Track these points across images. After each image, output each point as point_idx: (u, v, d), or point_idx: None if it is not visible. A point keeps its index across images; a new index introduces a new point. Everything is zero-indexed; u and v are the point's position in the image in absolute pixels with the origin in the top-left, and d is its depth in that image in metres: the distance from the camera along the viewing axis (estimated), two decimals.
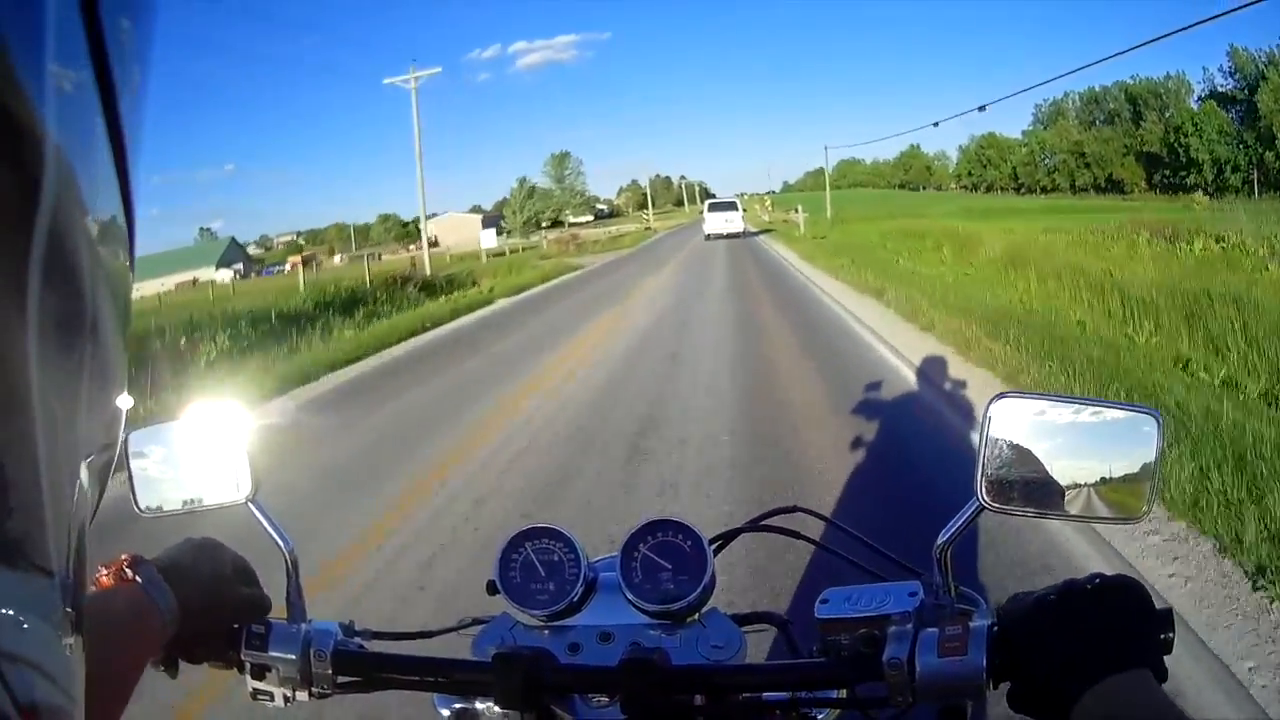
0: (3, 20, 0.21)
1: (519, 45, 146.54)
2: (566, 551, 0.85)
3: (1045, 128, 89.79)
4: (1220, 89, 69.03)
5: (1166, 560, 2.89)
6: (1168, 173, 71.91)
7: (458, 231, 69.08)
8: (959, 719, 0.68)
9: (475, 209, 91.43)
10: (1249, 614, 2.51)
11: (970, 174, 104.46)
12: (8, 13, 0.21)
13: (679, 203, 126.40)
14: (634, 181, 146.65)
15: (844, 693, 0.75)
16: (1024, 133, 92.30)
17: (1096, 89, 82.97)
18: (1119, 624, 0.61)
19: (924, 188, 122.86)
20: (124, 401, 0.32)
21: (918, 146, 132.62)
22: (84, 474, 0.28)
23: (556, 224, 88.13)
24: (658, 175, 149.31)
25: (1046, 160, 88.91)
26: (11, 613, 0.23)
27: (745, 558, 2.83)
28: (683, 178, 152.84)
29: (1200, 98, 72.43)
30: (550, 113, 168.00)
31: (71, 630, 0.26)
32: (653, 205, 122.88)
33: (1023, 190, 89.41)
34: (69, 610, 0.26)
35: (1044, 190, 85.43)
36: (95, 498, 0.30)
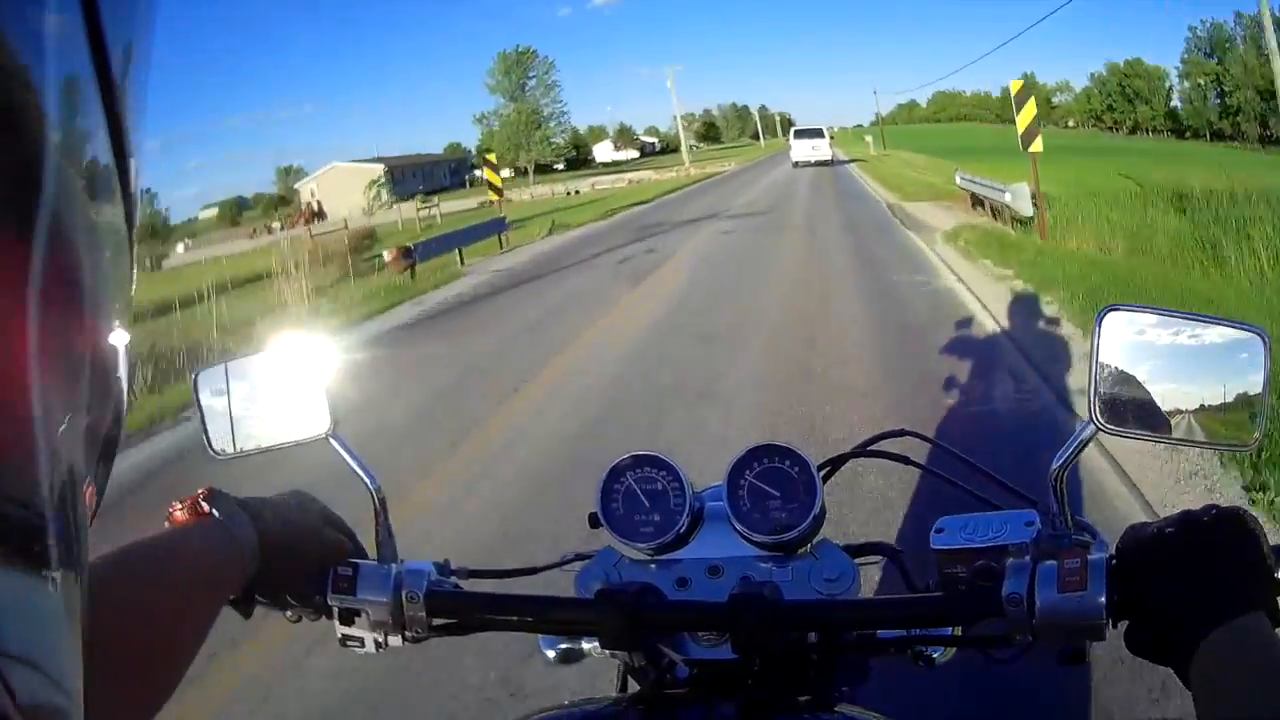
0: (3, 19, 0.25)
1: None
2: (670, 480, 1.00)
3: (1210, 57, 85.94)
4: None
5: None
6: None
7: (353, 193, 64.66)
8: (1079, 660, 0.81)
9: (378, 158, 76.81)
10: None
11: (1111, 110, 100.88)
12: (8, 11, 0.25)
13: (755, 135, 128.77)
14: (705, 111, 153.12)
15: (959, 630, 0.91)
16: (1183, 61, 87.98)
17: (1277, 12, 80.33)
18: (1238, 560, 0.74)
19: (1042, 124, 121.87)
20: (125, 400, 0.37)
21: (1032, 75, 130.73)
22: (85, 472, 0.33)
23: (544, 169, 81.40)
24: (732, 104, 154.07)
25: (1217, 99, 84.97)
26: (11, 612, 0.26)
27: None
28: (763, 107, 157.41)
29: None
30: (631, 48, 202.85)
31: (72, 629, 0.31)
32: (721, 139, 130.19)
33: (1186, 134, 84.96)
34: (70, 609, 0.30)
35: (1218, 136, 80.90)
36: (97, 496, 0.35)
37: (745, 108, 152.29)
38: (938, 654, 0.96)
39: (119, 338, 0.35)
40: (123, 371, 0.36)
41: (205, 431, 1.00)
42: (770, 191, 28.57)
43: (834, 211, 19.49)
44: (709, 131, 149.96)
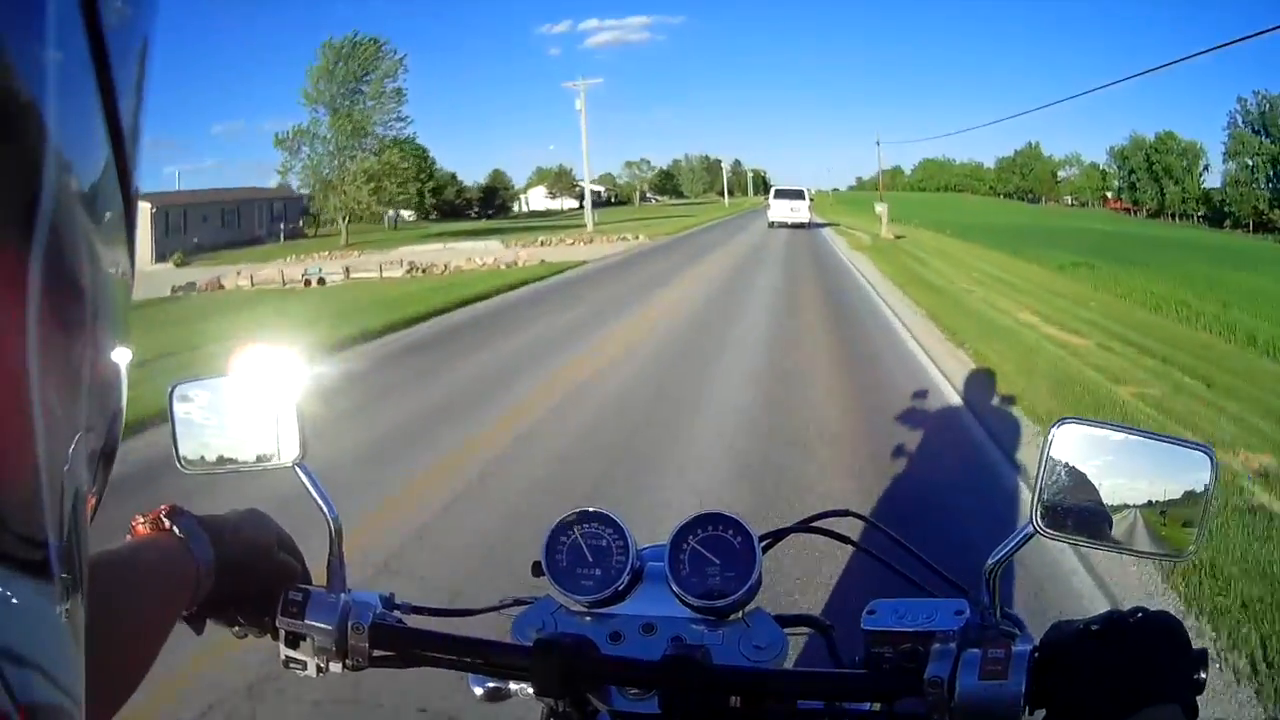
0: (3, 19, 0.27)
1: (591, 23, 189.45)
2: (616, 538, 1.12)
3: (1262, 135, 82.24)
4: None
5: None
6: None
7: None
8: None
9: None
10: None
11: (1133, 188, 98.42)
12: (8, 12, 0.27)
13: (722, 191, 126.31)
14: (675, 161, 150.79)
15: (878, 706, 0.99)
16: (1231, 137, 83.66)
17: None
18: (1157, 659, 0.82)
19: (1043, 199, 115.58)
20: (123, 406, 0.40)
21: (1037, 145, 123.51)
22: (84, 474, 0.35)
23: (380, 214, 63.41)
24: (703, 156, 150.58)
25: (1270, 184, 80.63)
26: (11, 612, 0.29)
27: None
28: (736, 162, 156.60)
29: None
30: (618, 93, 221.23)
31: (72, 629, 0.33)
32: (691, 191, 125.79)
33: (1225, 222, 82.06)
34: (69, 609, 0.33)
35: (1264, 227, 77.91)
36: (96, 498, 0.38)
37: (717, 161, 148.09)
38: None
39: (118, 345, 0.37)
40: (121, 375, 0.39)
41: (175, 444, 1.10)
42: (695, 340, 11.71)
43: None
44: (666, 182, 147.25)
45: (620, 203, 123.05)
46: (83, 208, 0.33)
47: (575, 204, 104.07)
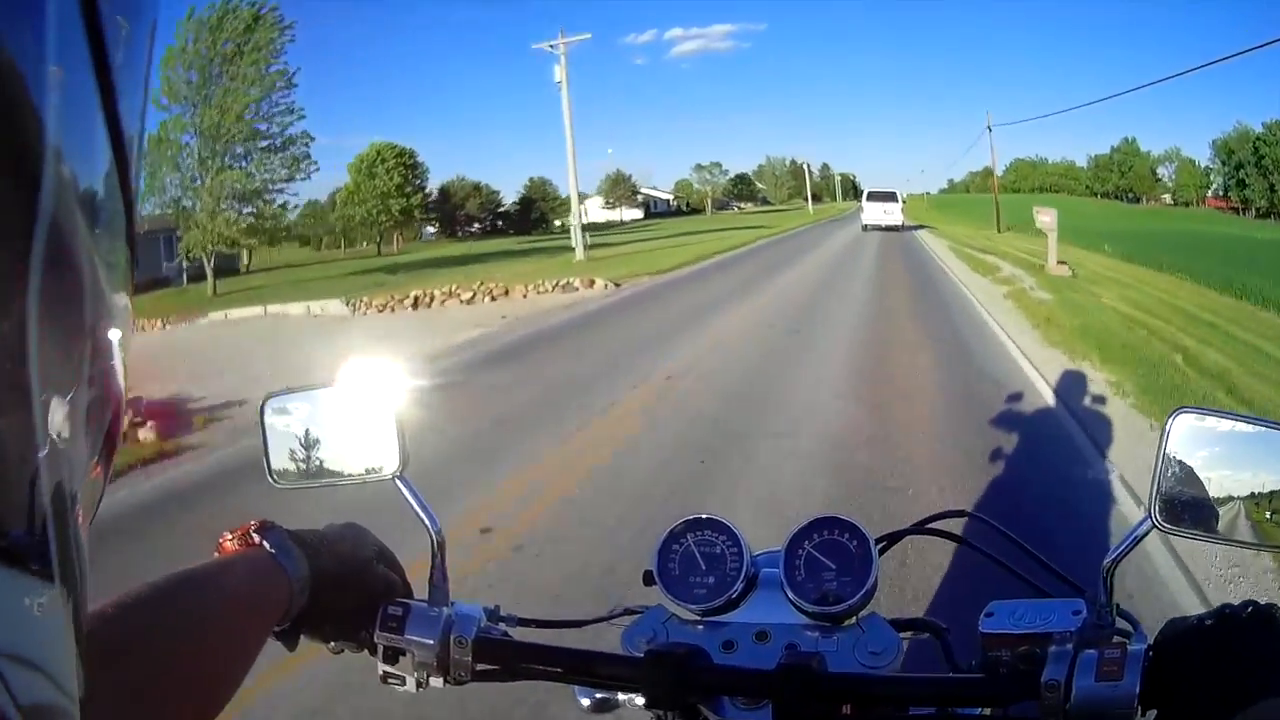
0: (2, 20, 0.28)
1: (675, 32, 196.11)
2: (729, 544, 1.15)
3: None
4: None
5: None
6: None
7: None
8: None
9: None
10: None
11: (1242, 185, 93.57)
12: (7, 13, 0.29)
13: (808, 197, 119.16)
14: (759, 166, 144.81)
15: (990, 710, 1.02)
16: None
17: None
18: (1270, 651, 0.84)
19: (1144, 199, 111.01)
20: (124, 402, 0.42)
21: (1134, 141, 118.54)
22: (85, 474, 0.37)
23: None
24: (789, 159, 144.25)
25: None
26: (11, 612, 0.30)
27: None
28: (825, 165, 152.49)
29: None
30: (702, 101, 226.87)
31: (72, 630, 0.35)
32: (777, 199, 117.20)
33: None
34: (69, 611, 0.34)
35: None
36: (97, 498, 0.40)
37: (803, 164, 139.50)
38: None
39: (118, 341, 0.39)
40: (122, 374, 0.40)
41: (267, 458, 1.15)
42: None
43: None
44: (745, 189, 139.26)
45: (692, 211, 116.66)
46: (83, 209, 0.34)
47: (639, 214, 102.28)
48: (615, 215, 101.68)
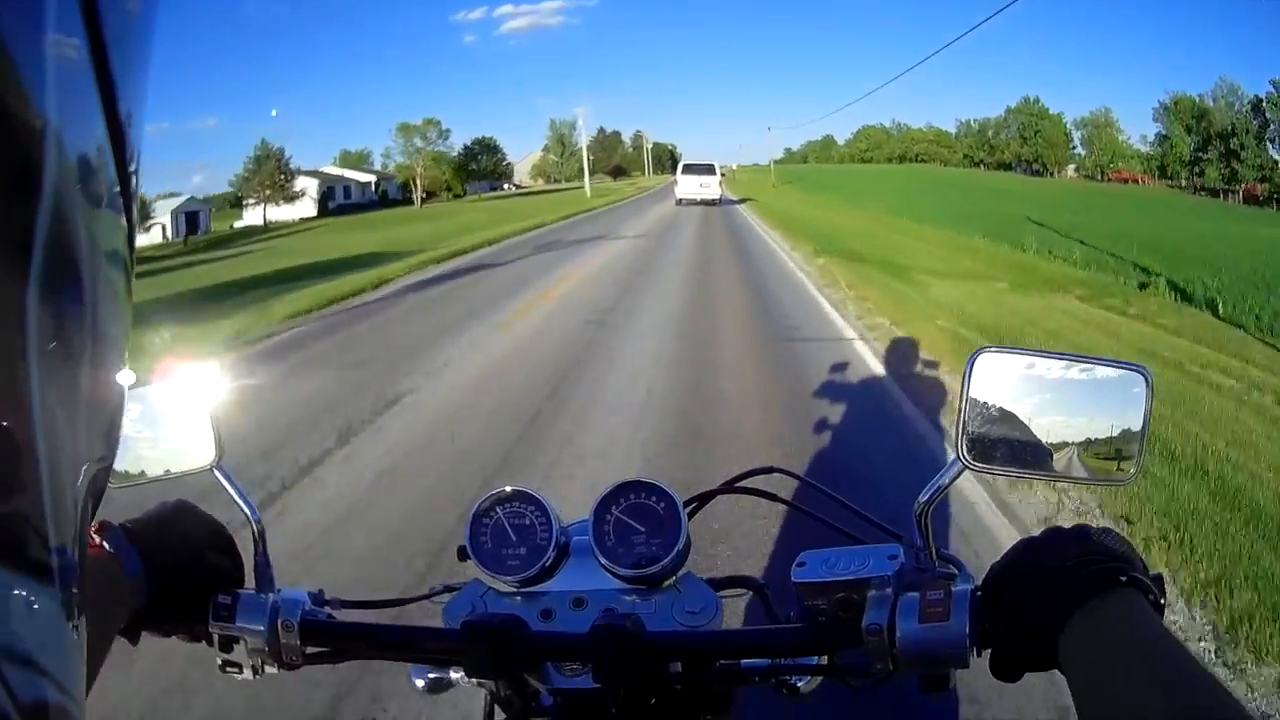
0: (2, 13, 0.28)
1: (505, 9, 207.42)
2: (538, 515, 1.16)
3: None
4: None
5: None
6: None
7: None
8: (941, 688, 0.91)
9: None
10: None
11: (1198, 160, 79.86)
12: (7, 6, 0.29)
13: (616, 171, 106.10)
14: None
15: (824, 660, 1.02)
16: None
17: None
18: (1100, 553, 0.82)
19: (1053, 172, 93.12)
20: (122, 410, 0.42)
21: (1037, 100, 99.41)
22: (84, 474, 0.37)
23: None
24: (600, 129, 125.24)
25: None
26: (11, 612, 0.31)
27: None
28: (638, 133, 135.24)
29: None
30: (536, 78, 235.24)
31: (72, 630, 0.35)
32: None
33: None
34: (69, 613, 0.35)
35: None
36: (95, 497, 0.40)
37: (615, 134, 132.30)
38: (802, 683, 1.10)
39: (118, 341, 0.39)
40: (121, 375, 0.40)
41: None
42: None
43: None
44: (486, 162, 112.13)
45: (405, 200, 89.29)
46: (83, 203, 0.34)
47: (310, 210, 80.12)
48: (258, 216, 76.86)
